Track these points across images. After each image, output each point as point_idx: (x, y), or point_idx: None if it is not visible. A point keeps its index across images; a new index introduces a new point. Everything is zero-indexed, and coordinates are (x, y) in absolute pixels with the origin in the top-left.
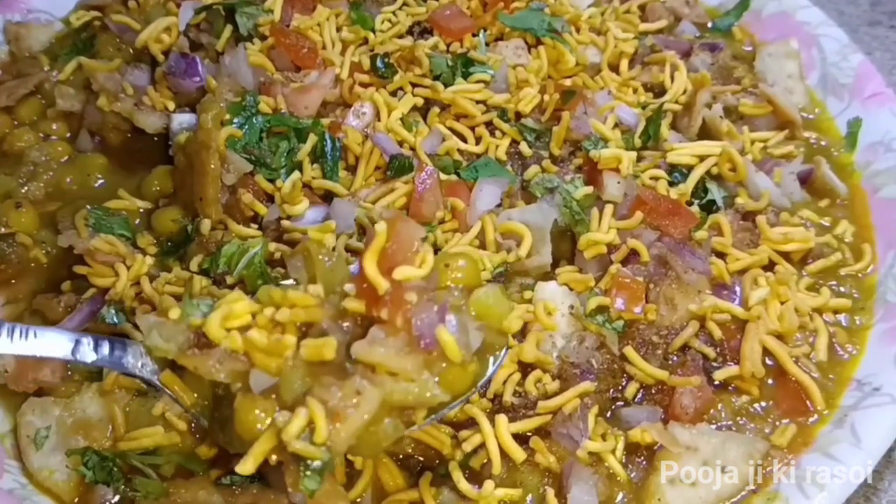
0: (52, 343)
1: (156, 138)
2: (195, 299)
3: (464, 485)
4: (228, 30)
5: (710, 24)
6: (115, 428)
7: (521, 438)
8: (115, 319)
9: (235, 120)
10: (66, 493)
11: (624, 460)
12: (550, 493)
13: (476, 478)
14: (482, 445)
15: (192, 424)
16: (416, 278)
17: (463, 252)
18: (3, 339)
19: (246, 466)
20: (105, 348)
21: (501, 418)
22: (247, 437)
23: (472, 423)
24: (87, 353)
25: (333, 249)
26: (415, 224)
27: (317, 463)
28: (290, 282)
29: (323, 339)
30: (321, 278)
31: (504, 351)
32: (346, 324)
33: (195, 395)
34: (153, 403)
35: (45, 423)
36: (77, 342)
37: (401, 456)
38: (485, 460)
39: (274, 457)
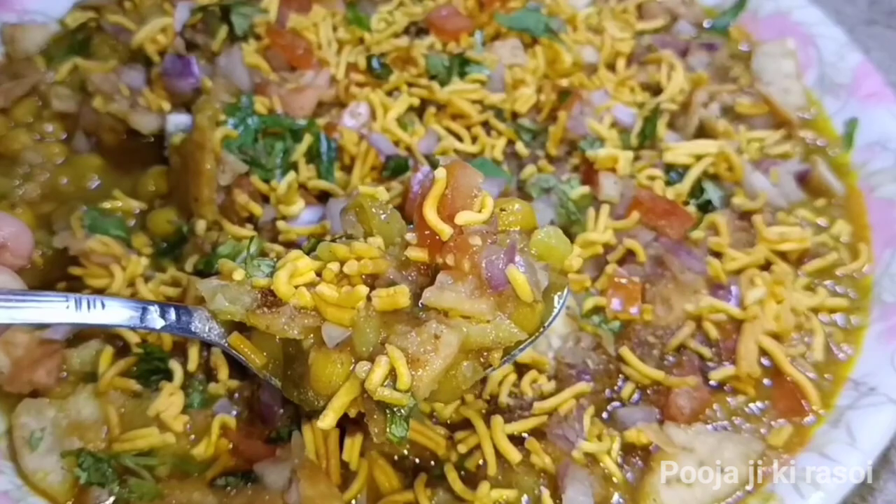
0: (119, 312)
1: (151, 139)
2: (255, 260)
3: (459, 486)
4: (224, 30)
5: (706, 24)
6: (110, 429)
7: (516, 439)
8: None
9: (230, 120)
10: (61, 495)
11: (620, 461)
12: (546, 493)
13: (471, 479)
14: (477, 447)
15: (188, 425)
16: (477, 223)
17: (517, 199)
18: (73, 310)
19: (327, 420)
20: (171, 314)
21: (497, 419)
22: (324, 392)
23: (467, 425)
24: (155, 321)
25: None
26: (473, 170)
27: (402, 410)
28: (343, 239)
29: (395, 287)
30: (378, 231)
31: (566, 291)
32: (410, 274)
33: (265, 354)
34: (148, 405)
35: (40, 425)
36: (144, 310)
37: (396, 457)
38: (480, 461)
39: (353, 409)
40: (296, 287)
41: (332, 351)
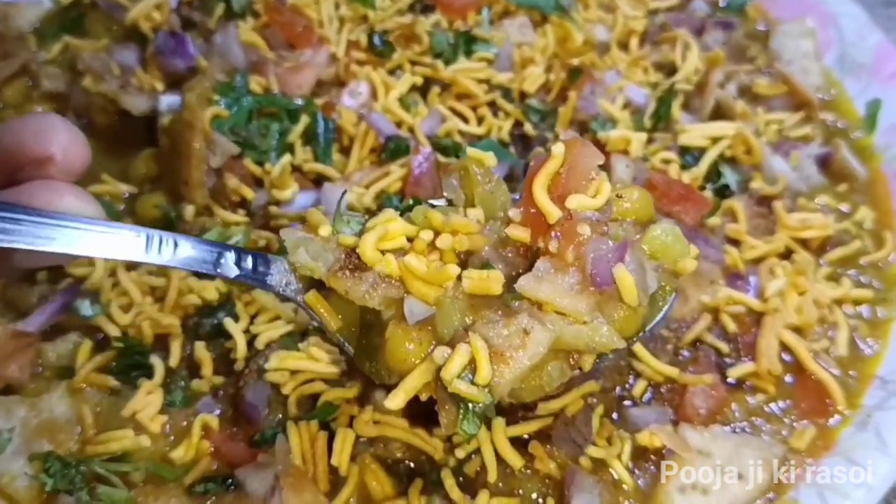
0: (192, 255)
1: (146, 119)
2: (345, 214)
3: (456, 493)
4: (221, 7)
5: (722, 2)
6: (84, 430)
7: (519, 443)
8: (90, 311)
9: (223, 100)
10: (28, 501)
11: (631, 466)
12: (551, 502)
13: (470, 485)
14: (477, 450)
15: (167, 426)
16: (590, 209)
17: (636, 187)
18: (142, 248)
19: (396, 400)
20: (248, 262)
21: (499, 421)
22: (398, 369)
23: None
24: (230, 268)
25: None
26: (593, 150)
27: (478, 406)
28: (441, 202)
29: (489, 271)
30: (480, 201)
31: (673, 295)
32: (507, 253)
33: (340, 318)
34: (124, 403)
35: (8, 425)
36: (219, 254)
37: (389, 461)
38: (479, 466)
39: (425, 393)
40: (383, 253)
41: (411, 328)
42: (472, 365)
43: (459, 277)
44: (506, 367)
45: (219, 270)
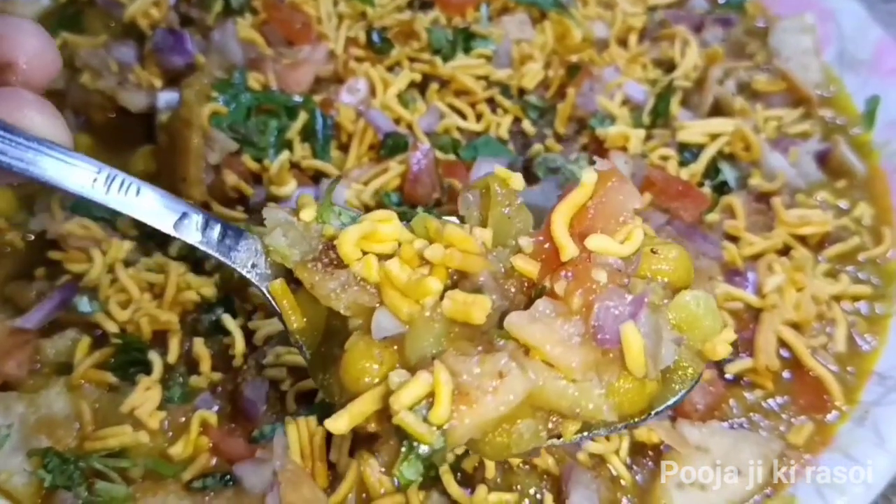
0: (153, 206)
1: (145, 116)
2: (339, 207)
3: (454, 489)
4: (219, 4)
5: None
6: (83, 426)
7: None
8: (88, 308)
9: (221, 97)
10: (27, 498)
11: (629, 462)
12: (549, 497)
13: (468, 481)
14: None
15: (165, 422)
16: (613, 255)
17: (675, 244)
18: (100, 186)
19: (338, 423)
20: (215, 231)
21: None
22: (350, 388)
23: None
24: (191, 232)
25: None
26: (632, 189)
27: (424, 448)
28: (453, 219)
29: (475, 295)
30: (493, 224)
31: (697, 380)
32: (509, 287)
33: (305, 319)
34: (123, 400)
35: (6, 421)
36: (184, 214)
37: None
38: (478, 462)
39: (373, 424)
40: (364, 252)
41: (375, 343)
42: (430, 399)
43: (443, 297)
44: (468, 409)
45: (179, 232)
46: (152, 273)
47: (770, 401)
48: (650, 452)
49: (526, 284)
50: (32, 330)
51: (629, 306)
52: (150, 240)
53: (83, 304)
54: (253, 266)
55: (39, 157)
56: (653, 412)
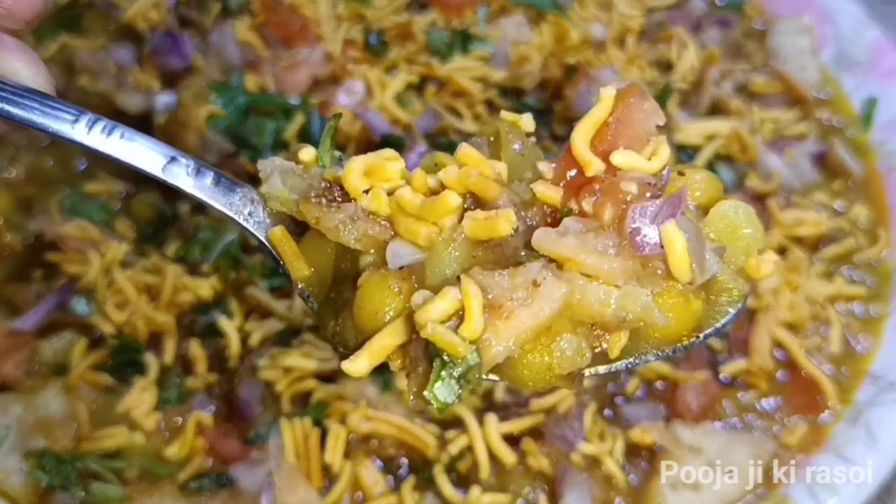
0: (141, 150)
1: (142, 118)
2: (336, 152)
3: (448, 491)
4: (217, 6)
5: (720, 1)
6: (80, 427)
7: (511, 439)
8: (85, 309)
9: (218, 99)
10: (24, 498)
11: (623, 462)
12: (542, 498)
13: (462, 481)
14: (470, 447)
15: (161, 423)
16: (641, 171)
17: (701, 168)
18: (81, 129)
19: (357, 364)
20: (208, 179)
21: (490, 418)
22: (367, 327)
23: (459, 423)
24: (181, 176)
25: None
26: (654, 106)
27: (458, 365)
28: None
29: (498, 209)
30: (506, 163)
31: (743, 300)
32: (530, 217)
33: (310, 268)
34: (119, 401)
35: (3, 422)
36: (173, 159)
37: (382, 458)
38: (472, 463)
39: (397, 361)
40: (372, 185)
41: (391, 273)
42: (459, 316)
43: (461, 220)
44: (503, 323)
45: (165, 175)
46: (149, 275)
47: (764, 402)
48: (644, 453)
49: (549, 213)
50: (30, 331)
51: (667, 206)
52: (147, 242)
53: (80, 305)
54: (250, 214)
55: (20, 99)
56: (701, 335)
